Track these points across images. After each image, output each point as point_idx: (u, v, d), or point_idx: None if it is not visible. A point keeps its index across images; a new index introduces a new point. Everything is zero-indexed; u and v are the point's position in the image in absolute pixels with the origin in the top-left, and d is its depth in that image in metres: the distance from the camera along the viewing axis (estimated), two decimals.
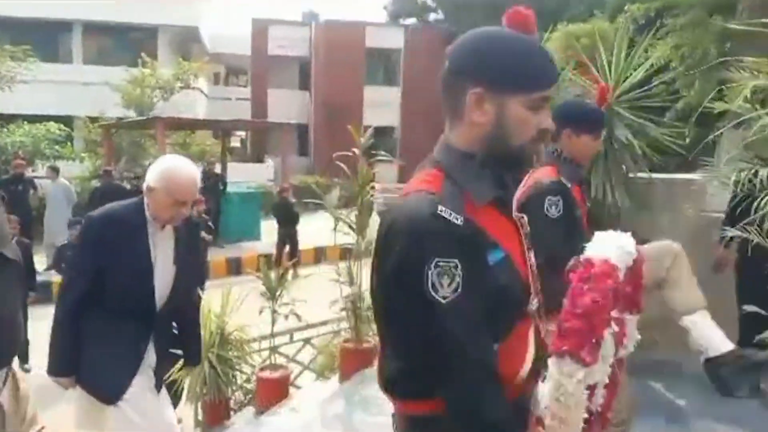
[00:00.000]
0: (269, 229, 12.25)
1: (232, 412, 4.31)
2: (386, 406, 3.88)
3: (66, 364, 2.50)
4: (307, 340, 5.37)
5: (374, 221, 4.45)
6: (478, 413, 1.10)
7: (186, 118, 16.53)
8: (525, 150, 1.17)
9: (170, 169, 2.49)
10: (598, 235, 1.31)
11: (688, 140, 5.74)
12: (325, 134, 24.66)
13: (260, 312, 4.28)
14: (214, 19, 26.84)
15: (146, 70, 17.12)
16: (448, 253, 1.06)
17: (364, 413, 3.59)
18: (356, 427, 3.49)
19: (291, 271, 4.58)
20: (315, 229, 10.96)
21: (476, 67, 1.13)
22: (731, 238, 3.23)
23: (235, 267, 11.08)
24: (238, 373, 4.36)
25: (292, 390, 4.38)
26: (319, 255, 12.10)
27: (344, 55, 25.26)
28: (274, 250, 10.93)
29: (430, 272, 1.06)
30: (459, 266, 1.06)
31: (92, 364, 2.47)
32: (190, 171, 2.52)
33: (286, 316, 4.28)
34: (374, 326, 4.60)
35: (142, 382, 2.49)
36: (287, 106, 25.81)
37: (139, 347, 2.52)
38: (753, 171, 2.90)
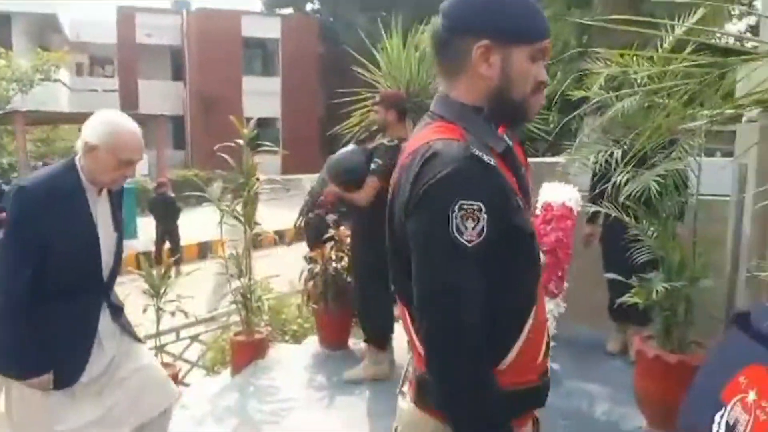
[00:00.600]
0: (146, 226, 11.73)
1: None
2: (281, 394, 3.90)
3: (38, 360, 2.16)
4: (194, 337, 5.25)
5: (261, 212, 4.43)
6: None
7: (48, 111, 15.38)
8: (526, 102, 1.19)
9: (114, 124, 2.21)
10: (547, 186, 1.43)
11: (552, 126, 6.19)
12: (203, 126, 23.86)
13: (144, 311, 4.13)
14: (75, 6, 25.03)
15: (0, 61, 15.79)
16: (477, 195, 1.06)
17: (259, 403, 3.60)
18: (251, 416, 3.48)
19: (174, 269, 4.43)
20: (197, 224, 10.64)
21: (482, 21, 1.15)
22: (595, 213, 3.56)
23: None
24: None
25: (181, 388, 4.27)
26: (204, 250, 11.76)
27: (219, 45, 24.53)
28: (153, 248, 10.48)
29: (455, 212, 1.05)
30: (483, 209, 1.06)
31: (44, 350, 2.17)
32: (135, 127, 2.25)
33: (173, 313, 4.16)
34: (265, 317, 4.60)
35: (97, 367, 2.28)
36: (160, 97, 24.65)
37: (92, 323, 2.27)
38: (609, 152, 3.20)
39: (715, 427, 1.93)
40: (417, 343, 1.21)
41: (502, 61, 1.15)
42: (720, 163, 3.97)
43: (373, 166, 3.67)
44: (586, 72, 4.04)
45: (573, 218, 1.49)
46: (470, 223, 1.05)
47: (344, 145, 4.13)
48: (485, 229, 1.06)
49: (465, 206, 1.05)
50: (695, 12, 2.88)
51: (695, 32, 2.86)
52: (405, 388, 1.33)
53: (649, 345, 3.07)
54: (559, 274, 1.33)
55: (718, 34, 3.33)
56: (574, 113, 3.58)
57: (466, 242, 1.05)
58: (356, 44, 5.88)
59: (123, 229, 2.44)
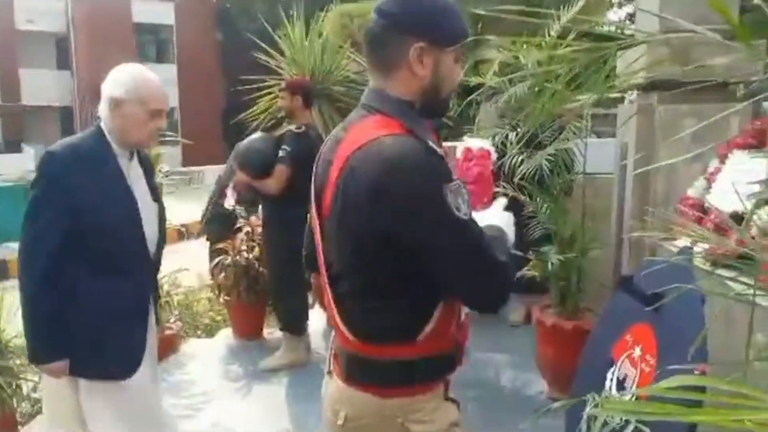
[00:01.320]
0: None
1: (20, 426, 3.93)
2: (196, 387, 3.85)
3: (56, 345, 1.97)
4: None
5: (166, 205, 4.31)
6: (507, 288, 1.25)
7: None
8: (449, 100, 1.31)
9: (136, 74, 2.05)
10: (467, 138, 1.56)
11: (453, 111, 6.39)
12: (94, 117, 22.59)
13: None
14: None
15: None
16: (451, 177, 1.16)
17: (173, 398, 3.54)
18: (167, 411, 3.43)
19: None
20: None
21: (419, 24, 1.22)
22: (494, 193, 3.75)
23: (0, 271, 9.82)
24: (23, 382, 3.98)
25: None
26: None
27: (109, 31, 23.27)
28: None
29: (448, 196, 1.13)
30: (461, 186, 1.17)
31: (96, 340, 1.99)
32: (154, 75, 2.10)
33: None
34: (175, 312, 4.50)
35: (149, 359, 2.13)
36: (45, 87, 23.16)
37: (144, 306, 2.12)
38: (504, 134, 3.39)
39: (608, 383, 2.12)
40: (341, 322, 1.28)
41: (434, 61, 1.24)
42: (604, 142, 4.29)
43: (281, 153, 3.69)
44: (482, 59, 4.21)
45: (490, 158, 1.73)
46: (459, 201, 1.15)
47: (250, 134, 4.11)
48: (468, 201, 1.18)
49: (452, 188, 1.15)
50: (579, 2, 3.10)
51: (579, 21, 3.08)
52: (332, 369, 1.39)
53: (547, 314, 3.30)
54: (485, 200, 1.56)
55: (601, 22, 3.58)
56: (470, 98, 3.75)
57: (464, 216, 1.16)
58: (256, 31, 5.81)
59: (161, 199, 2.26)
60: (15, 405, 3.91)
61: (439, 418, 1.31)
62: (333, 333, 1.41)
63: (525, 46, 3.17)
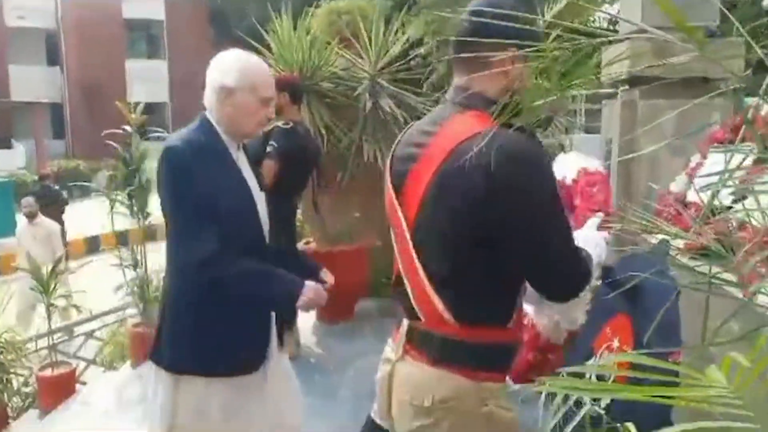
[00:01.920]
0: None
1: (11, 420, 3.95)
2: None
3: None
4: (89, 334, 5.06)
5: (154, 202, 4.33)
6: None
7: None
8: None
9: (244, 61, 1.96)
10: (564, 155, 1.62)
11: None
12: (84, 114, 22.52)
13: (33, 308, 3.96)
14: None
15: None
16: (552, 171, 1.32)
17: None
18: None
19: (62, 264, 4.26)
20: (82, 217, 10.12)
21: (514, 29, 1.25)
22: None
23: None
24: (13, 377, 4.00)
25: (79, 387, 4.14)
26: (92, 245, 11.20)
27: (99, 27, 23.15)
28: None
29: (553, 188, 1.27)
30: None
31: (226, 334, 1.90)
32: (259, 59, 2.02)
33: (64, 309, 4.01)
34: None
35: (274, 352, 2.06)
36: (35, 83, 22.99)
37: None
38: None
39: (587, 375, 2.17)
40: (441, 305, 1.32)
41: (518, 66, 1.32)
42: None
43: (269, 149, 3.70)
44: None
45: (609, 182, 1.78)
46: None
47: None
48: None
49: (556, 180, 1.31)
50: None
51: (568, 16, 3.11)
52: (402, 354, 1.40)
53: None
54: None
55: (590, 19, 3.62)
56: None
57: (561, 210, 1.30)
58: (247, 27, 5.82)
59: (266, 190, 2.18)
60: (6, 399, 3.93)
61: (511, 407, 1.37)
62: (401, 321, 1.43)
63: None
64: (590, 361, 2.22)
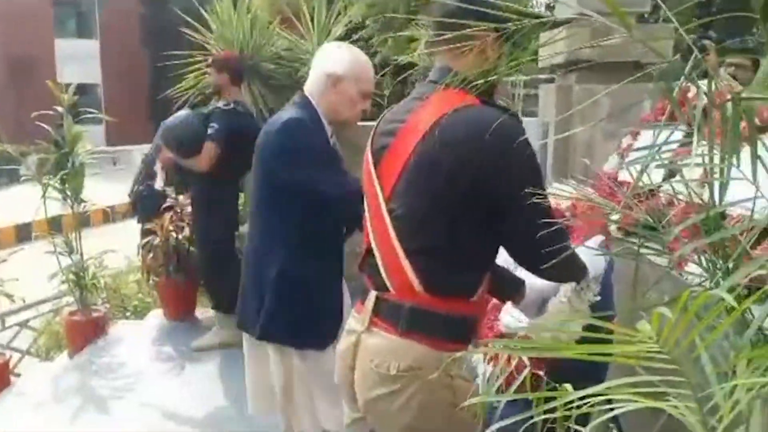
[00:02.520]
0: None
1: None
2: (127, 369, 3.79)
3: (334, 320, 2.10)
4: (23, 323, 4.87)
5: (87, 187, 4.20)
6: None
7: None
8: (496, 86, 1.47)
9: (353, 52, 2.07)
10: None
11: (386, 90, 6.44)
12: (9, 94, 21.39)
13: None
14: None
15: None
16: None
17: (103, 380, 3.49)
18: (96, 393, 3.37)
19: None
20: (11, 204, 9.67)
21: (495, 13, 1.29)
22: None
23: None
24: None
25: (13, 379, 3.99)
26: (24, 232, 10.71)
27: (24, 4, 21.95)
28: None
29: (532, 163, 1.33)
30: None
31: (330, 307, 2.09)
32: (368, 59, 2.13)
33: None
34: (103, 295, 4.39)
35: None
36: None
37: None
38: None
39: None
40: (413, 275, 1.36)
41: (498, 49, 1.37)
42: (527, 122, 4.44)
43: (210, 130, 3.64)
44: (415, 39, 4.24)
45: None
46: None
47: (176, 111, 4.03)
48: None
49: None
50: None
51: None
52: (368, 324, 1.44)
53: None
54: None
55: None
56: (403, 78, 3.81)
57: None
58: (183, 5, 5.66)
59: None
60: None
61: (474, 379, 1.44)
62: (366, 294, 1.47)
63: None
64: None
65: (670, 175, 2.23)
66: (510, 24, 1.21)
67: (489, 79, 1.24)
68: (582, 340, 0.70)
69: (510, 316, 1.59)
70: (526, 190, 1.31)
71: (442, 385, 1.35)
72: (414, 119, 1.38)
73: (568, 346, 0.60)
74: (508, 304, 1.61)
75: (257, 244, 2.12)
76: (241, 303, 2.20)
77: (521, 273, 1.58)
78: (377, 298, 1.44)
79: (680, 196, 1.28)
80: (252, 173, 2.15)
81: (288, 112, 2.05)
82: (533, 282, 1.55)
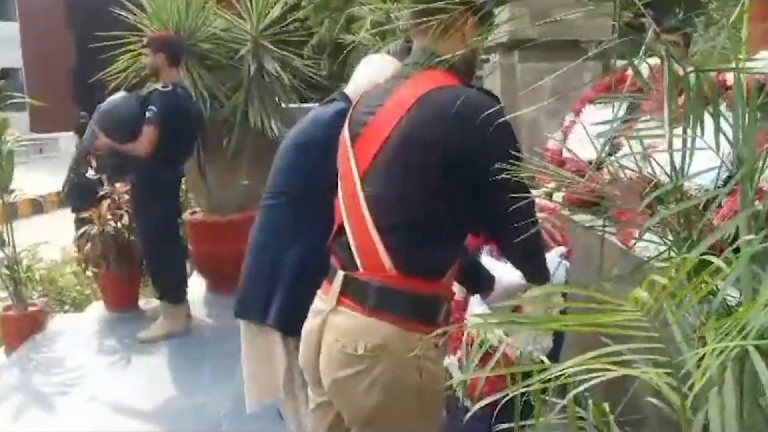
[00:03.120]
0: None
1: None
2: (69, 363, 3.66)
3: None
4: None
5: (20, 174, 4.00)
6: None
7: None
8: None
9: (399, 65, 2.02)
10: None
11: (325, 72, 6.36)
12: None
13: None
14: None
15: None
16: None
17: (44, 376, 3.35)
18: (38, 390, 3.24)
19: None
20: None
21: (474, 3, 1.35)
22: None
23: None
24: None
25: None
26: None
27: None
28: None
29: (512, 144, 1.32)
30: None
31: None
32: None
33: None
34: (39, 288, 4.21)
35: None
36: None
37: None
38: None
39: None
40: (385, 254, 1.36)
41: (475, 33, 1.41)
42: None
43: (148, 114, 3.50)
44: (354, 17, 4.20)
45: None
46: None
47: (108, 95, 3.86)
48: None
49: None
50: None
51: None
52: (336, 303, 1.41)
53: None
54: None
55: None
56: (341, 57, 3.77)
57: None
58: None
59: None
60: None
61: (441, 362, 1.44)
62: (333, 273, 1.45)
63: (396, 4, 3.25)
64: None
65: (614, 149, 2.30)
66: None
67: (458, 54, 1.28)
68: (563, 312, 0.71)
69: (479, 306, 1.62)
70: (504, 167, 1.32)
71: (409, 366, 1.35)
72: (395, 98, 1.39)
73: (556, 318, 0.61)
74: (474, 300, 1.64)
75: (275, 234, 2.10)
76: (242, 291, 2.17)
77: (491, 268, 1.62)
78: (345, 276, 1.42)
79: (626, 171, 1.31)
80: (279, 164, 2.12)
81: (334, 105, 2.06)
82: (500, 278, 1.59)
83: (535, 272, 1.50)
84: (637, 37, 1.14)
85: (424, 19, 1.41)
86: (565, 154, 2.81)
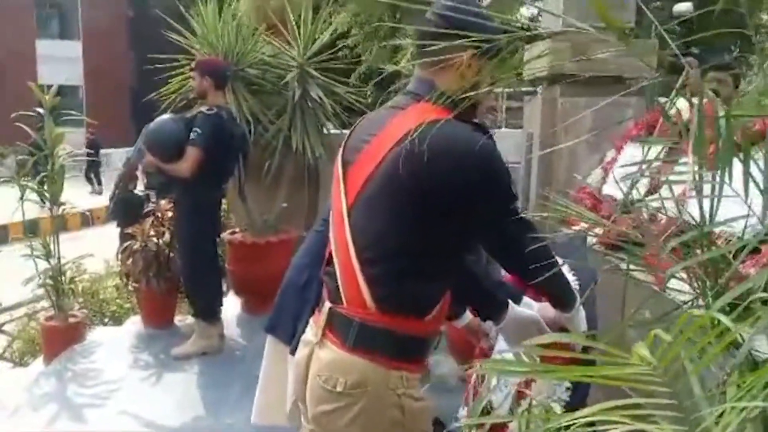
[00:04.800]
0: None
1: None
2: (104, 376, 3.72)
3: None
4: None
5: (67, 190, 4.13)
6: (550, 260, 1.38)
7: None
8: (478, 105, 1.45)
9: None
10: None
11: (370, 99, 6.44)
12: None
13: None
14: None
15: None
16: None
17: (79, 387, 3.41)
18: (72, 401, 3.30)
19: None
20: None
21: (474, 33, 1.25)
22: None
23: None
24: None
25: None
26: (0, 235, 10.53)
27: (7, 4, 21.66)
28: None
29: (498, 178, 1.34)
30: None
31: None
32: None
33: None
34: (80, 300, 4.32)
35: None
36: None
37: None
38: None
39: None
40: (365, 290, 1.34)
41: (478, 68, 1.37)
42: (511, 133, 4.48)
43: (193, 135, 3.60)
44: (399, 49, 4.23)
45: None
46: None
47: (159, 115, 3.98)
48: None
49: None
50: None
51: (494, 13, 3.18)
52: (321, 337, 1.40)
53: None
54: None
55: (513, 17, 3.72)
56: (390, 89, 3.80)
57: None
58: (167, 7, 5.63)
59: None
60: None
61: (426, 398, 1.40)
62: (323, 305, 1.44)
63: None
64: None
65: (651, 190, 2.24)
66: (497, 38, 1.22)
67: (468, 95, 1.23)
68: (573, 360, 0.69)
69: (503, 341, 1.58)
70: (500, 208, 1.34)
71: (389, 404, 1.32)
72: (389, 128, 1.37)
73: (558, 368, 0.59)
74: (492, 329, 1.60)
75: (313, 257, 2.11)
76: (276, 308, 2.24)
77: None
78: (330, 309, 1.41)
79: (662, 212, 1.28)
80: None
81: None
82: (512, 307, 1.56)
83: (557, 291, 1.49)
84: (678, 75, 1.11)
85: (424, 51, 1.39)
86: (605, 192, 2.76)
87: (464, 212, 1.31)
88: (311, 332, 1.45)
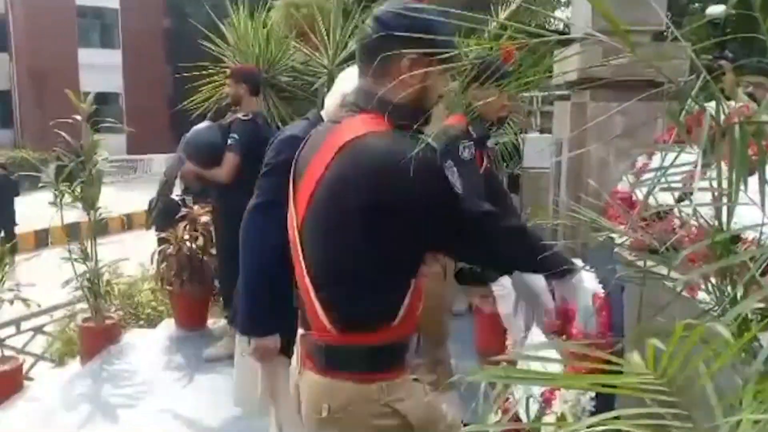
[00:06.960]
0: None
1: None
2: (138, 377, 3.80)
3: None
4: (38, 329, 4.92)
5: (106, 195, 4.24)
6: (532, 241, 1.35)
7: None
8: (428, 110, 1.36)
9: None
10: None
11: None
12: (34, 102, 21.79)
13: None
14: None
15: None
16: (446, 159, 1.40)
17: (114, 388, 3.50)
18: (106, 401, 3.39)
19: (9, 257, 4.13)
20: (30, 210, 9.81)
21: (413, 37, 1.17)
22: None
23: None
24: None
25: (27, 383, 4.03)
26: (41, 239, 10.85)
27: (50, 14, 22.37)
28: None
29: (450, 176, 1.34)
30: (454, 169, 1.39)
31: None
32: None
33: (11, 302, 3.89)
34: (116, 302, 4.43)
35: None
36: None
37: None
38: None
39: None
40: (321, 311, 1.31)
41: (422, 72, 1.26)
42: (541, 138, 4.43)
43: (230, 141, 3.66)
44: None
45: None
46: (456, 179, 1.40)
47: (193, 121, 4.06)
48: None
49: (448, 168, 1.37)
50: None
51: (519, 18, 3.17)
52: (302, 367, 1.39)
53: (485, 303, 3.40)
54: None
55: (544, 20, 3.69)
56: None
57: (460, 191, 1.39)
58: (202, 18, 5.74)
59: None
60: None
61: (415, 394, 1.35)
62: (300, 333, 1.41)
63: (465, 44, 3.26)
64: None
65: (681, 197, 2.20)
66: (526, 41, 1.21)
67: (404, 101, 1.25)
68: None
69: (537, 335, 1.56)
70: (441, 212, 1.27)
71: (383, 416, 1.29)
72: (325, 145, 1.31)
73: (567, 376, 0.59)
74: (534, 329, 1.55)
75: None
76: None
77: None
78: (302, 336, 1.39)
79: (692, 220, 1.26)
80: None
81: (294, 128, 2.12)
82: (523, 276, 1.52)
83: (542, 270, 1.40)
84: (707, 79, 1.09)
85: (362, 58, 1.35)
86: (637, 196, 2.71)
87: (403, 225, 1.25)
88: (294, 360, 1.44)
